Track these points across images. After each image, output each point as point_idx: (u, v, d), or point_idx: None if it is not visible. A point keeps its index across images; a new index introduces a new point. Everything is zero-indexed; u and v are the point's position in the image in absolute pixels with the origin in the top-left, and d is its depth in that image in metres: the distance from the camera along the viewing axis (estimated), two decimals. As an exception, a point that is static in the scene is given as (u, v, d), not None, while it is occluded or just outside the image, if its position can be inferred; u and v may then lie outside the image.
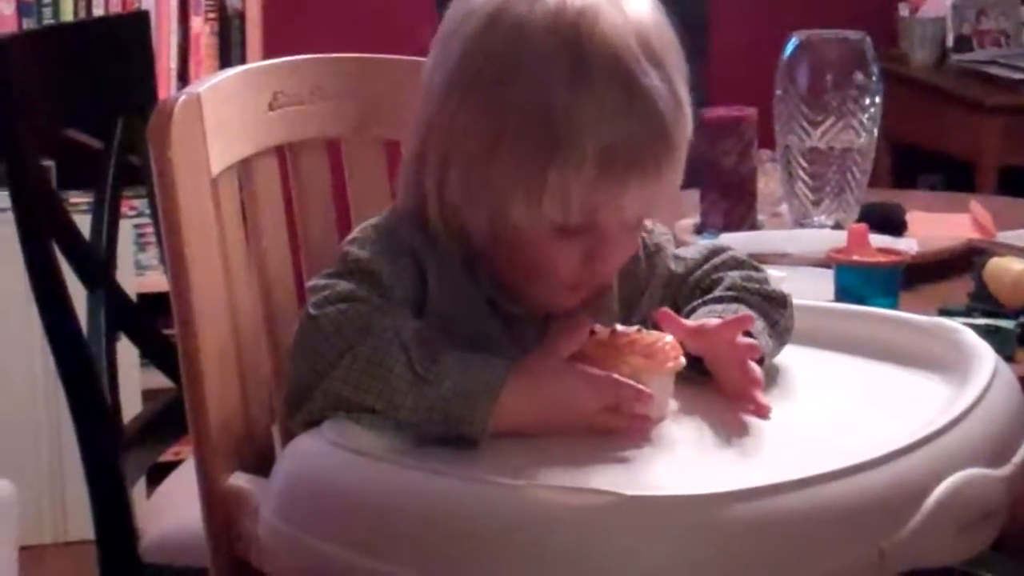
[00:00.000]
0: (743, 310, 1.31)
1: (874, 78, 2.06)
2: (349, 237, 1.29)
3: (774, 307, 1.35)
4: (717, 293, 1.35)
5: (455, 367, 1.18)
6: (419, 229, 1.27)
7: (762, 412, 1.24)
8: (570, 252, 1.24)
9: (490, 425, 1.17)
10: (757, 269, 1.39)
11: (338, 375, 1.18)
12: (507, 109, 1.21)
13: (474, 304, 1.28)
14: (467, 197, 1.24)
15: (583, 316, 1.21)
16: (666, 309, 1.29)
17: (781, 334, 1.35)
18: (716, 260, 1.39)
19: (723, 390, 1.27)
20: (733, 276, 1.36)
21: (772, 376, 1.33)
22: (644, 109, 1.21)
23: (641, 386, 1.19)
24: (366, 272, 1.24)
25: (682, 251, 1.40)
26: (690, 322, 1.29)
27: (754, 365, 1.26)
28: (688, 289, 1.38)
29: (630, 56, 1.21)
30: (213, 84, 1.36)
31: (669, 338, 1.24)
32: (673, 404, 1.25)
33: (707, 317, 1.30)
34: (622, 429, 1.19)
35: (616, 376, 1.19)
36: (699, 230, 2.05)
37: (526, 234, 1.24)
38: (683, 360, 1.23)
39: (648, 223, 1.37)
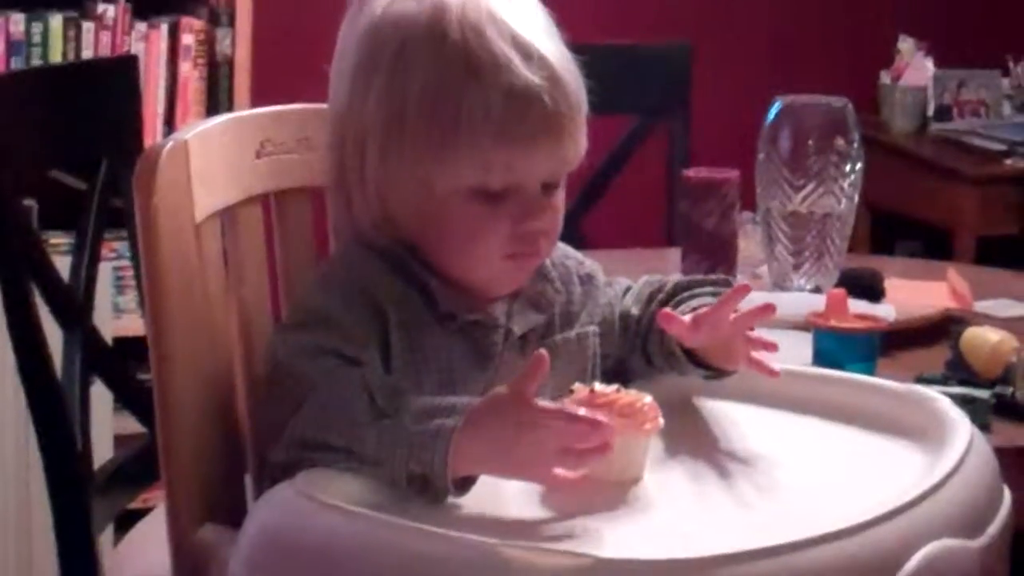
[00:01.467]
0: (706, 299, 1.37)
1: (855, 145, 2.07)
2: (304, 287, 1.33)
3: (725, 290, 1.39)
4: (674, 296, 1.40)
5: (416, 407, 1.18)
6: (367, 263, 1.30)
7: (774, 375, 1.31)
8: (497, 216, 1.28)
9: (451, 465, 1.15)
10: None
11: (303, 415, 1.19)
12: (405, 86, 1.27)
13: (434, 325, 1.29)
14: (388, 179, 1.29)
15: (542, 353, 1.20)
16: (666, 310, 1.33)
17: None
18: (648, 276, 1.46)
19: (738, 364, 1.33)
20: (675, 279, 1.43)
21: (749, 440, 1.32)
22: (535, 57, 1.28)
23: (599, 417, 1.17)
24: (325, 321, 1.25)
25: (612, 278, 1.46)
26: (687, 320, 1.32)
27: (756, 333, 1.32)
28: (632, 299, 1.43)
29: (504, 19, 1.29)
30: (200, 131, 1.35)
31: (648, 399, 1.23)
32: (651, 464, 1.25)
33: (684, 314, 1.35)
34: (579, 476, 1.17)
35: (569, 409, 1.17)
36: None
37: (452, 207, 1.28)
38: (661, 421, 1.23)
39: (579, 256, 1.44)
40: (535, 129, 1.27)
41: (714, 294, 1.38)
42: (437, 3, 1.29)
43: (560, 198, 1.34)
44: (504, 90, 1.26)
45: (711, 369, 1.36)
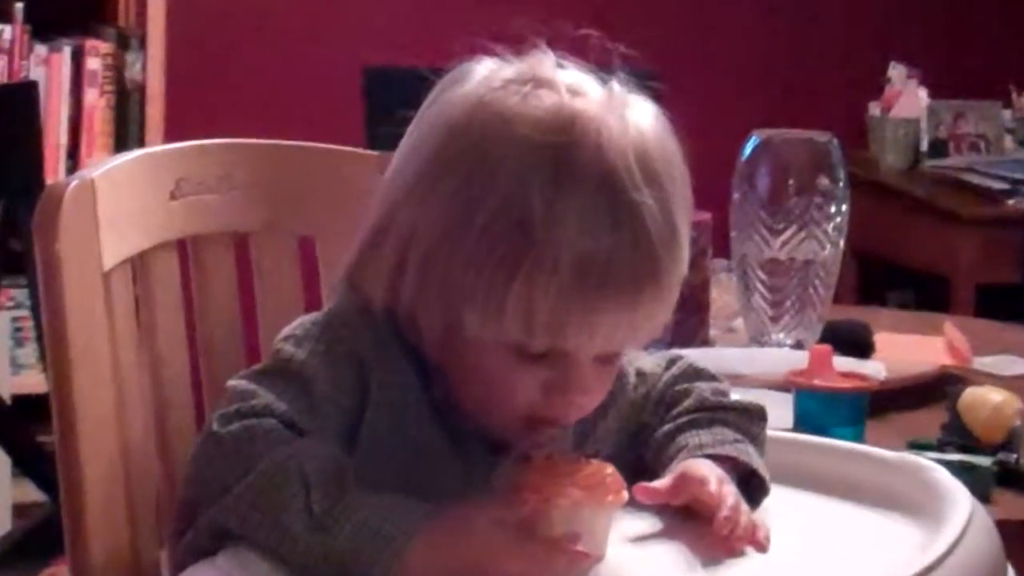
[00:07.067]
0: (726, 432, 1.33)
1: (841, 183, 2.09)
2: (285, 332, 1.27)
3: (753, 422, 1.37)
4: (693, 413, 1.36)
5: (361, 511, 1.16)
6: (365, 328, 1.26)
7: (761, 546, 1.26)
8: (531, 379, 1.23)
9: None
10: (716, 378, 1.41)
11: (227, 503, 1.17)
12: (480, 200, 1.20)
13: (420, 412, 1.27)
14: (423, 293, 1.24)
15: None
16: (642, 485, 1.28)
17: (761, 447, 1.37)
18: (674, 370, 1.41)
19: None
20: (702, 389, 1.38)
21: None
22: (630, 225, 1.21)
23: (580, 550, 1.17)
24: (297, 376, 1.23)
25: (641, 364, 1.41)
26: (667, 484, 1.29)
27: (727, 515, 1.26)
28: (652, 404, 1.39)
29: (623, 167, 1.21)
30: (109, 168, 1.36)
31: (611, 469, 1.24)
32: (613, 541, 1.25)
33: (693, 453, 1.31)
34: None
35: (552, 543, 1.17)
36: (645, 345, 2.06)
37: (483, 350, 1.23)
38: (625, 494, 1.23)
39: None
40: (600, 302, 1.20)
41: (737, 426, 1.35)
42: (561, 142, 1.21)
43: (611, 374, 1.29)
44: (579, 255, 1.19)
45: None
